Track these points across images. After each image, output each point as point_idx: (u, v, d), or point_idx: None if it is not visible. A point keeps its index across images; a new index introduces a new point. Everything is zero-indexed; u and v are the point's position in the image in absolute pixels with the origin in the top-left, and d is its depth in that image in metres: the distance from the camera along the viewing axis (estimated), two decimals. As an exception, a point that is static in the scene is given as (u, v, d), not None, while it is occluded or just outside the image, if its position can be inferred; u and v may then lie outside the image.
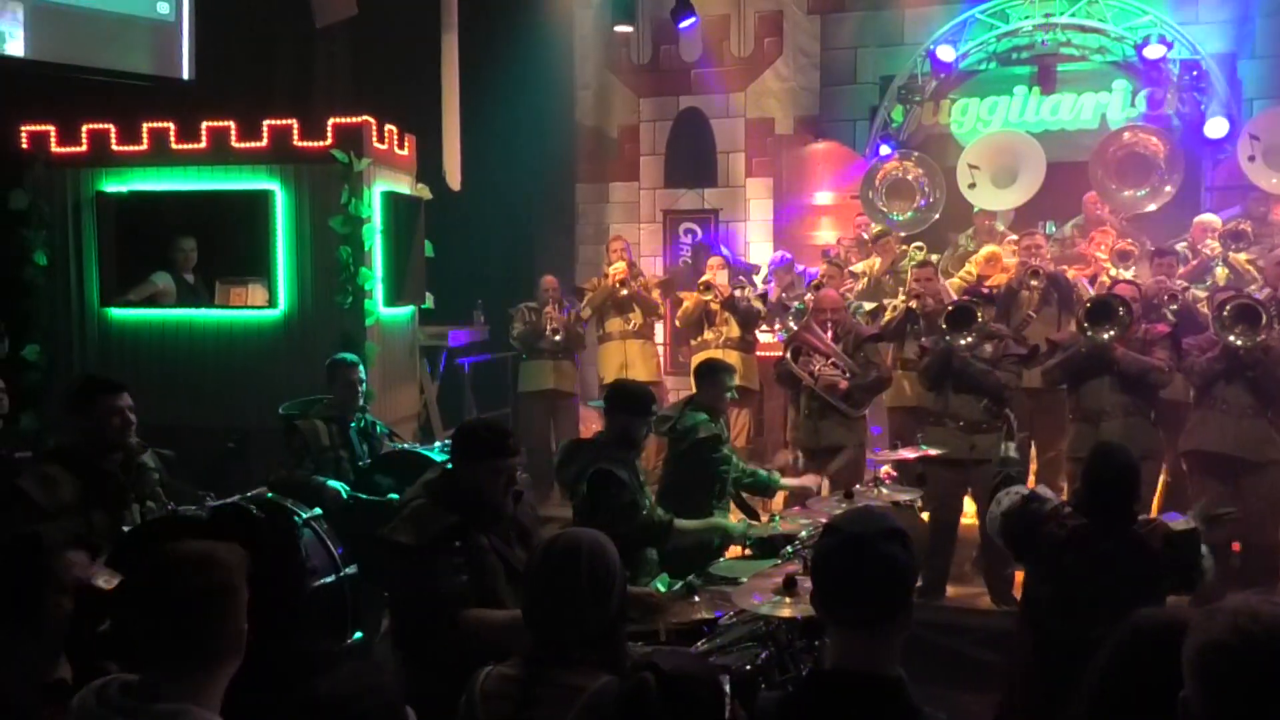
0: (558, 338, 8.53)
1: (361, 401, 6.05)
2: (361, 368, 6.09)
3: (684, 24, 9.39)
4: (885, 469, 6.14)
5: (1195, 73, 8.92)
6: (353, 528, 5.05)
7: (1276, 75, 8.98)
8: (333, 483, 5.58)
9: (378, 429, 6.11)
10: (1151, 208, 8.54)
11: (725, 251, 9.10)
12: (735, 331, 8.22)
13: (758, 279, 8.91)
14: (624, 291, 8.58)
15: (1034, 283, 7.15)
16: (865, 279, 8.23)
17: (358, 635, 4.90)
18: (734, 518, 5.59)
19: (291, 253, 7.20)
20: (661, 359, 9.40)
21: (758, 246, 10.06)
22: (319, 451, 5.76)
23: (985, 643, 6.00)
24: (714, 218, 10.37)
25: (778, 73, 10.32)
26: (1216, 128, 8.62)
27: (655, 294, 8.84)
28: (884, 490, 5.08)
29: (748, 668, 3.47)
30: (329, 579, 4.81)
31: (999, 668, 5.48)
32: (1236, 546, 6.22)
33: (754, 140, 10.37)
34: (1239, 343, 5.92)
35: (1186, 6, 9.11)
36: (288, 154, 7.16)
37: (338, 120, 7.19)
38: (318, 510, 5.09)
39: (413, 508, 3.56)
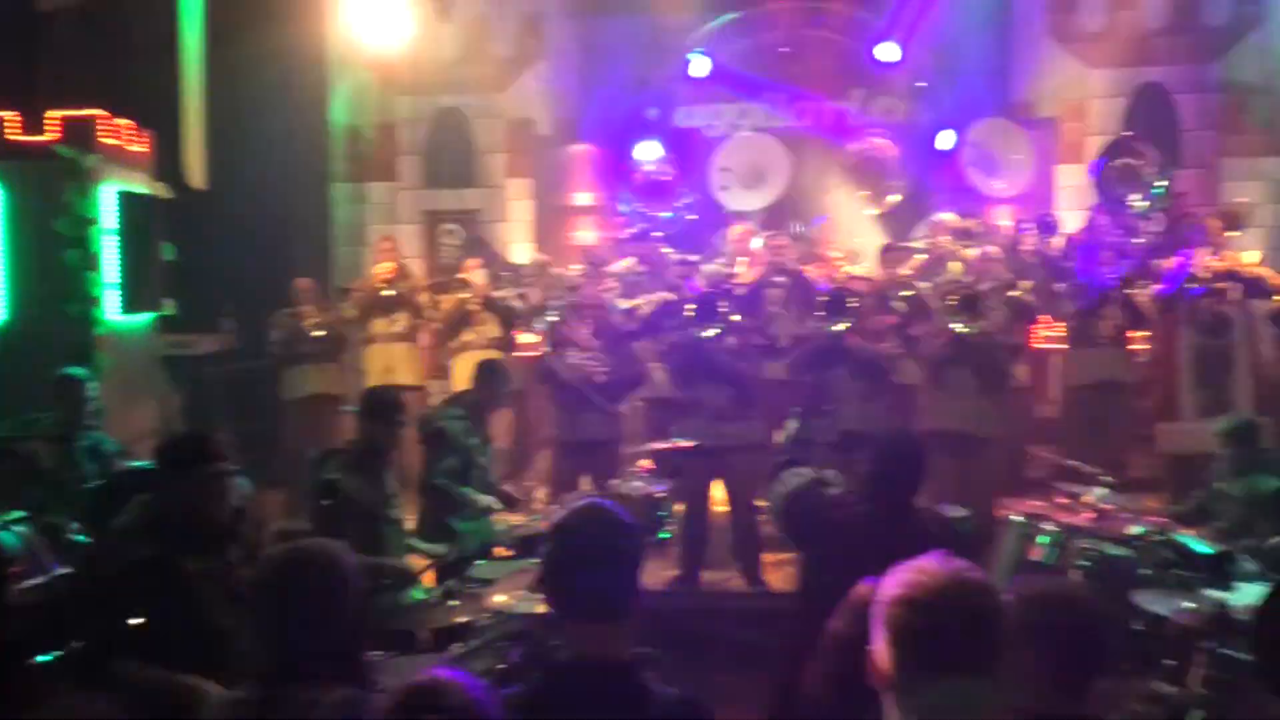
0: (321, 333, 8.25)
1: (90, 419, 5.63)
2: (92, 383, 5.68)
3: None
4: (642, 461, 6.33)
5: (923, 81, 9.61)
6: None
7: (991, 85, 9.76)
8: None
9: (107, 447, 5.68)
10: (885, 208, 9.14)
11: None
12: (496, 331, 8.21)
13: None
14: (389, 292, 8.39)
15: (777, 278, 7.53)
16: (622, 280, 8.38)
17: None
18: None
19: (11, 257, 6.65)
20: (425, 362, 9.25)
21: (518, 247, 10.06)
22: (40, 476, 5.34)
23: (740, 623, 6.26)
24: (475, 218, 10.29)
25: (538, 74, 10.36)
26: (944, 139, 9.32)
27: (424, 296, 8.70)
28: (637, 482, 5.23)
29: (500, 668, 3.49)
30: (38, 580, 4.47)
31: (755, 646, 5.74)
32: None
33: (514, 141, 10.37)
34: (963, 329, 6.47)
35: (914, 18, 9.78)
36: (6, 149, 6.64)
37: (64, 113, 6.70)
38: (20, 513, 4.72)
39: (115, 535, 3.33)
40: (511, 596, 3.97)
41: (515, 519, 5.66)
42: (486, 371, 5.87)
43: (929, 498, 6.74)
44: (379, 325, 8.57)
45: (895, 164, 9.13)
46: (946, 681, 1.64)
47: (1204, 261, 7.46)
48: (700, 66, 9.63)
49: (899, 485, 3.91)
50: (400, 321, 8.57)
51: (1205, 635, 3.66)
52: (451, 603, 4.17)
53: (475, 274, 8.24)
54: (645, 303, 7.65)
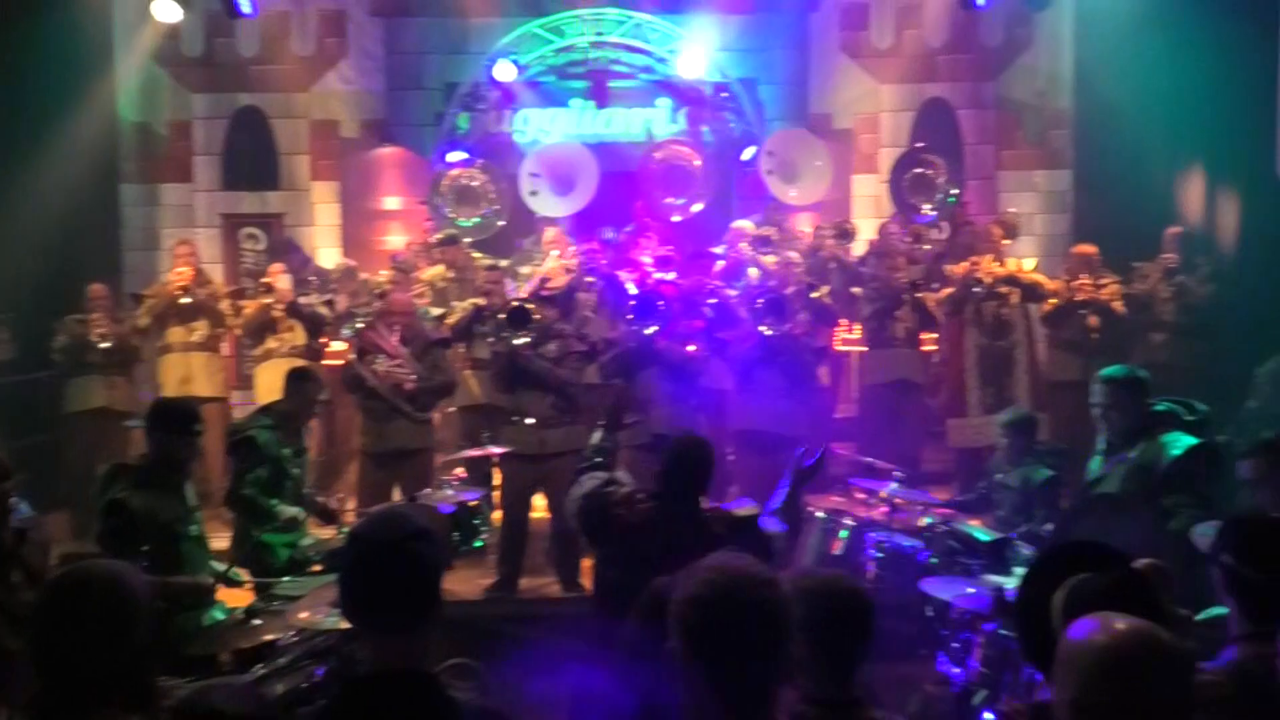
0: (106, 345, 7.79)
1: None
2: None
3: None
4: (457, 470, 6.29)
5: (725, 94, 9.91)
6: None
7: (790, 98, 10.18)
8: None
9: None
10: (689, 215, 9.36)
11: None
12: (301, 339, 7.96)
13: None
14: (186, 300, 8.01)
15: (589, 279, 7.61)
16: (439, 284, 8.28)
17: None
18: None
19: None
20: (228, 374, 8.88)
21: (325, 252, 9.80)
22: None
23: (562, 630, 6.29)
24: (278, 222, 9.95)
25: (342, 75, 10.10)
26: (747, 152, 9.63)
27: (224, 304, 8.34)
28: (448, 491, 5.19)
29: (304, 686, 3.40)
30: None
31: (572, 652, 5.78)
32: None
33: (318, 143, 10.08)
34: (769, 332, 6.71)
35: (717, 34, 10.07)
36: None
37: None
38: None
39: None
40: (317, 613, 3.86)
41: (326, 533, 5.52)
42: (298, 380, 5.70)
43: (743, 495, 7.04)
44: (176, 334, 8.17)
45: (700, 172, 9.37)
46: (732, 675, 1.72)
47: (987, 268, 8.01)
48: (505, 71, 9.61)
49: (685, 484, 4.03)
50: (199, 330, 8.20)
51: (985, 618, 3.92)
52: (255, 622, 4.02)
53: (280, 279, 7.95)
54: (456, 310, 7.58)
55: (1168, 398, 4.95)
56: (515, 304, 6.59)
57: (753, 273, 8.38)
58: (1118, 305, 8.01)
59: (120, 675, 2.27)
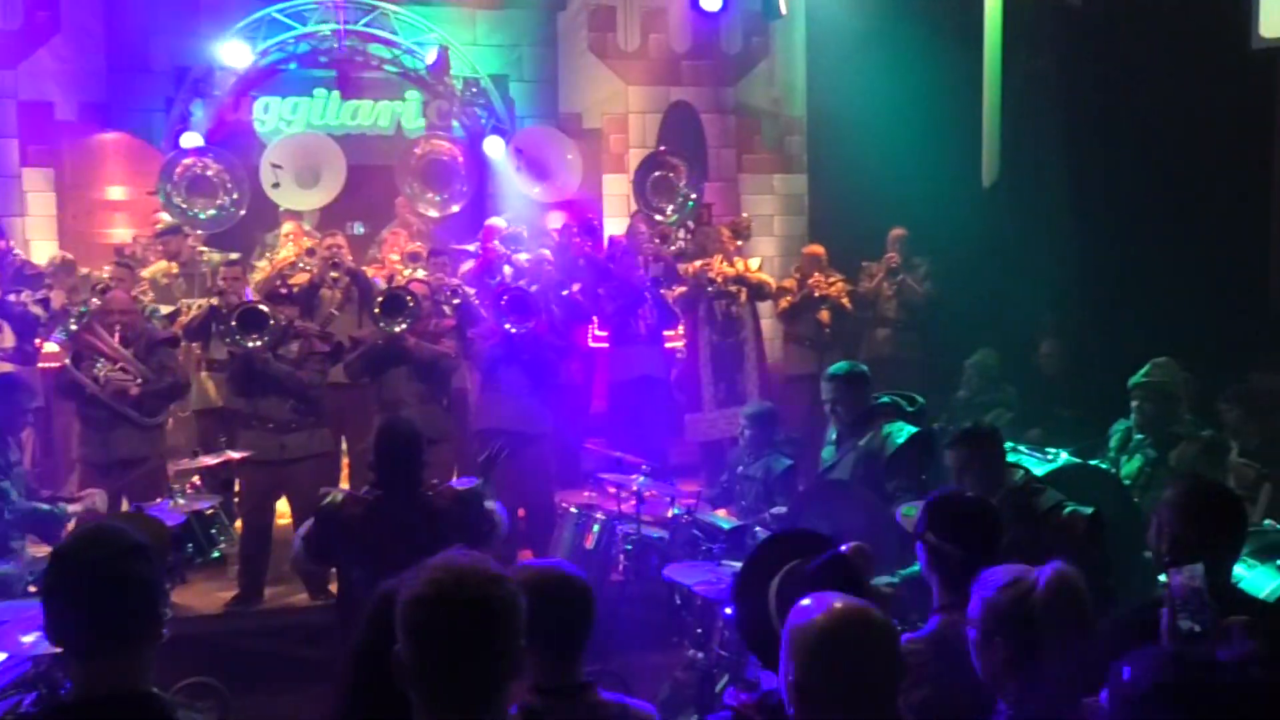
0: None
1: None
2: None
3: None
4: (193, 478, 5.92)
5: (475, 89, 9.83)
6: None
7: (541, 96, 10.24)
8: None
9: None
10: (451, 211, 9.26)
11: None
12: (9, 340, 7.27)
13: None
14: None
15: (334, 274, 7.36)
16: (162, 280, 7.77)
17: None
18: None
19: None
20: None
21: (40, 245, 8.97)
22: None
23: (305, 639, 6.07)
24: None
25: (55, 52, 9.27)
26: (494, 146, 9.57)
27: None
28: (181, 500, 4.89)
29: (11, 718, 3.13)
30: None
31: (318, 660, 5.59)
32: (522, 513, 7.02)
33: (29, 126, 9.20)
34: (514, 330, 6.70)
35: (466, 28, 9.99)
36: None
37: None
38: None
39: None
40: (27, 637, 3.55)
41: (42, 551, 5.09)
42: (5, 388, 5.21)
43: (495, 493, 7.02)
44: None
45: (460, 168, 9.27)
46: (463, 676, 1.70)
47: (719, 268, 8.36)
48: (236, 55, 9.13)
49: (399, 467, 4.12)
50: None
51: (723, 603, 4.09)
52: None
53: None
54: (189, 308, 7.15)
55: (890, 390, 5.36)
56: (247, 306, 6.28)
57: (506, 270, 8.37)
58: (845, 302, 8.56)
59: None
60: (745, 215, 9.52)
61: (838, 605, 2.04)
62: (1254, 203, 8.02)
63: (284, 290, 6.89)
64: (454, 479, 6.00)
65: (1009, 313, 8.39)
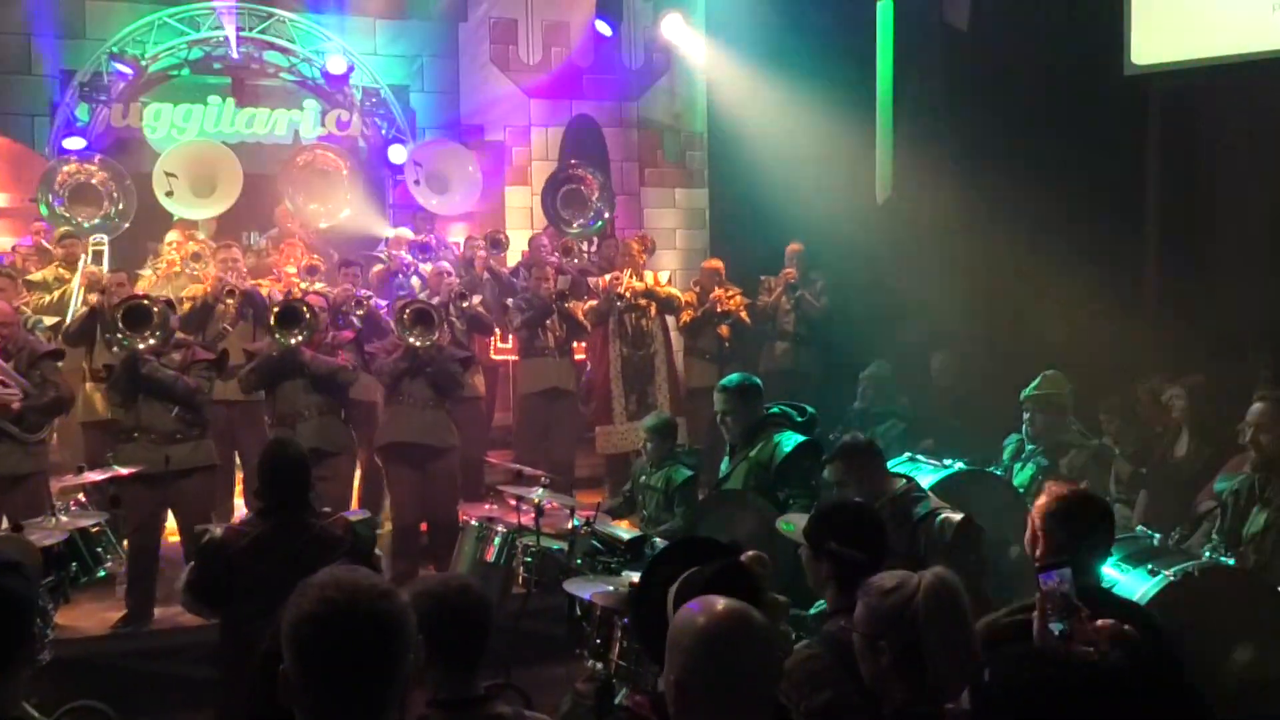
0: None
1: None
2: None
3: None
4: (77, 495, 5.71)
5: (375, 99, 9.74)
6: None
7: (442, 107, 10.19)
8: None
9: None
10: (334, 221, 9.11)
11: None
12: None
13: None
14: None
15: (229, 300, 7.22)
16: (53, 291, 7.49)
17: None
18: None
19: None
20: None
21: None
22: None
23: (199, 659, 5.90)
24: None
25: (-70, 53, 8.93)
26: (397, 154, 9.51)
27: None
28: (64, 518, 4.72)
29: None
30: None
31: (213, 681, 5.45)
32: (425, 526, 6.96)
33: (-100, 128, 8.85)
34: (418, 343, 6.65)
35: (366, 38, 9.90)
36: None
37: None
38: None
39: None
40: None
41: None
42: None
43: (394, 509, 6.93)
44: None
45: (344, 178, 9.13)
46: (353, 693, 1.69)
47: (628, 283, 8.41)
48: (125, 61, 8.91)
49: (286, 491, 3.97)
50: None
51: (621, 613, 4.11)
52: None
53: None
54: (71, 317, 6.92)
55: (781, 401, 5.48)
56: (130, 302, 6.05)
57: (414, 282, 8.30)
58: (744, 316, 8.69)
59: None
60: (649, 229, 9.57)
61: (719, 606, 2.08)
62: (1130, 220, 8.42)
63: (169, 301, 6.68)
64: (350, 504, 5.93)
65: (903, 326, 8.64)
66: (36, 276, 7.58)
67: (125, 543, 6.02)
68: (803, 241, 9.10)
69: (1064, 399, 6.37)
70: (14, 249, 8.31)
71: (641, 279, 8.52)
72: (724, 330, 8.69)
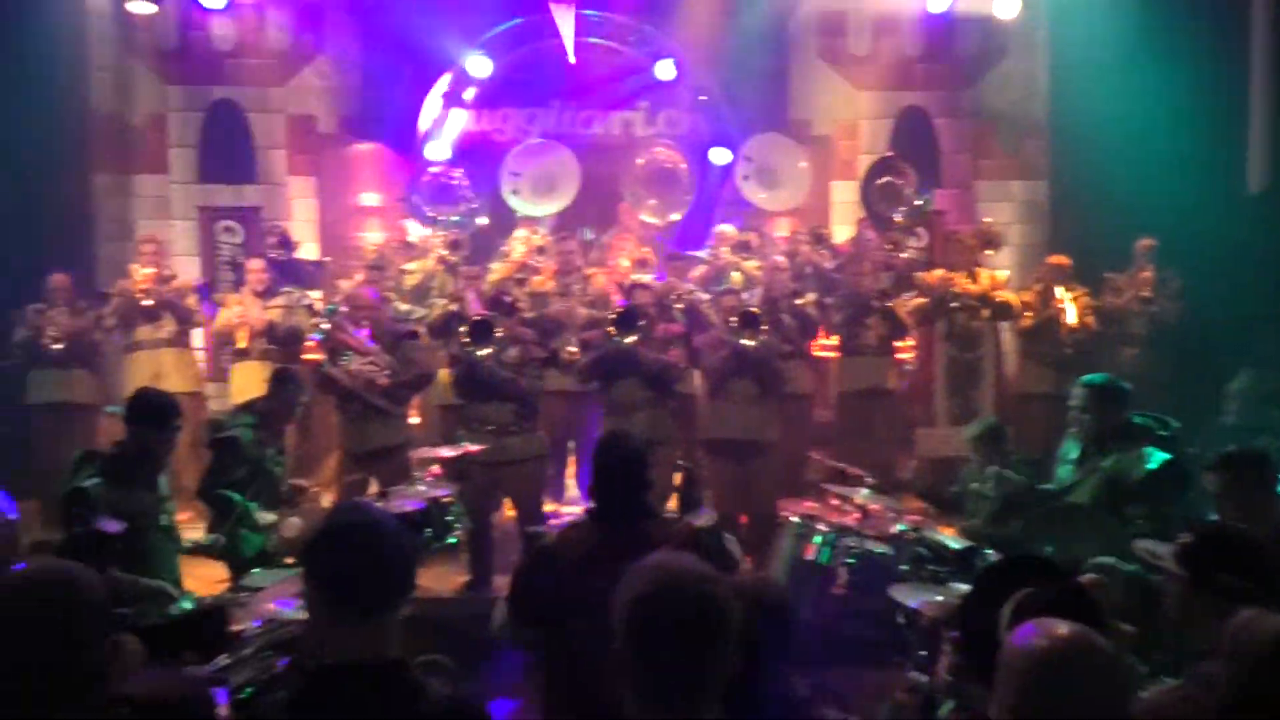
0: (57, 347, 7.72)
1: None
2: None
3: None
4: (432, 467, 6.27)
5: (704, 97, 9.92)
6: None
7: (769, 102, 10.17)
8: None
9: None
10: (674, 217, 9.40)
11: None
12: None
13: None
14: (149, 302, 7.93)
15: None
16: (417, 276, 8.25)
17: None
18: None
19: None
20: (203, 367, 8.81)
21: (303, 247, 9.73)
22: None
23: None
24: (256, 216, 9.87)
25: (319, 69, 10.05)
26: (721, 154, 9.66)
27: (191, 299, 8.28)
28: (422, 487, 5.17)
29: (265, 677, 3.37)
30: None
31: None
32: (744, 519, 7.02)
33: (295, 137, 10.02)
34: (748, 343, 6.71)
35: (697, 35, 10.06)
36: None
37: None
38: None
39: None
40: (282, 603, 3.84)
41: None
42: (279, 382, 5.71)
43: (715, 503, 7.06)
44: (143, 332, 8.12)
45: (683, 175, 9.38)
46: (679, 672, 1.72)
47: (961, 285, 8.05)
48: (479, 67, 9.59)
49: (623, 492, 3.50)
50: (166, 327, 8.14)
51: (950, 625, 3.93)
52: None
53: (251, 308, 7.88)
54: (434, 307, 7.58)
55: (1142, 412, 5.03)
56: (480, 319, 6.57)
57: (735, 277, 8.41)
58: (1089, 320, 8.05)
59: (73, 680, 2.15)
60: (989, 220, 9.05)
61: (1062, 631, 1.94)
62: None
63: (505, 299, 7.15)
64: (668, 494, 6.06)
65: (1272, 331, 7.70)
66: (412, 266, 8.34)
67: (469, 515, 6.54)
68: (1155, 236, 8.34)
69: None
70: (385, 242, 9.22)
71: (975, 279, 8.13)
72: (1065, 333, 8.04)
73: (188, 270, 9.21)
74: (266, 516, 5.32)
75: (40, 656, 2.08)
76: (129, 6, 9.14)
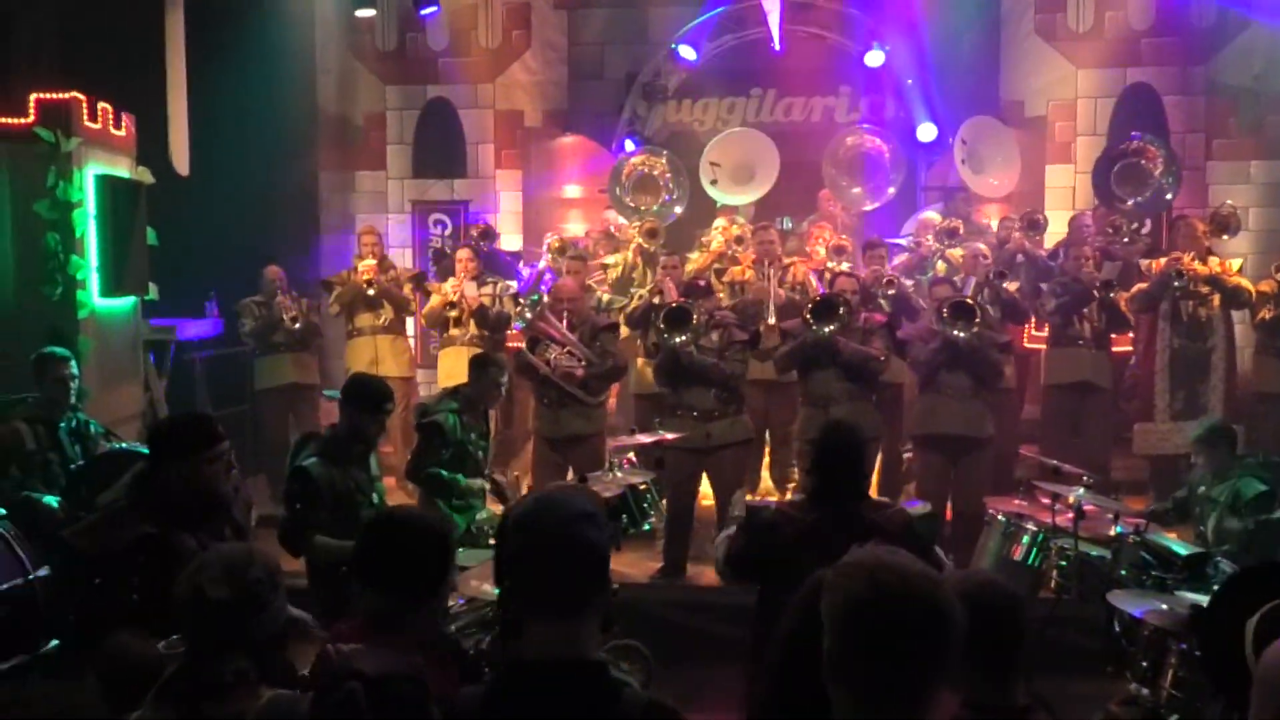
0: (297, 325, 8.24)
1: (73, 399, 5.66)
2: (73, 363, 5.70)
3: (426, 11, 9.28)
4: (627, 455, 6.34)
5: (909, 80, 9.60)
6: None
7: (980, 83, 9.77)
8: (47, 498, 5.28)
9: (92, 428, 5.74)
10: (877, 204, 9.16)
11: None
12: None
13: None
14: (372, 291, 8.37)
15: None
16: (619, 268, 8.36)
17: (53, 643, 4.60)
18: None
19: (-9, 239, 6.61)
20: (414, 353, 9.24)
21: (508, 238, 10.05)
22: (22, 456, 5.39)
23: (726, 618, 6.23)
24: (464, 209, 10.27)
25: (526, 65, 10.33)
26: (926, 132, 9.31)
27: (407, 288, 8.67)
28: (618, 474, 5.22)
29: (470, 654, 3.48)
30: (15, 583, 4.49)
31: (741, 641, 5.74)
32: (950, 514, 6.76)
33: (503, 132, 10.35)
34: (961, 335, 6.44)
35: (903, 17, 9.76)
36: (-14, 132, 6.57)
37: (41, 95, 6.64)
38: None
39: (104, 512, 3.36)
40: (486, 583, 3.96)
41: (500, 508, 5.67)
42: (481, 367, 5.89)
43: (927, 498, 6.82)
44: (364, 319, 8.55)
45: (888, 161, 9.12)
46: (898, 678, 1.63)
47: (1190, 265, 7.45)
48: (686, 56, 9.63)
49: (843, 480, 3.77)
50: (385, 315, 8.56)
51: (1178, 636, 3.66)
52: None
53: (467, 286, 8.16)
54: (633, 297, 7.65)
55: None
56: (675, 305, 6.56)
57: (939, 266, 8.12)
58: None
59: (260, 648, 2.42)
60: (1230, 204, 8.35)
61: None
62: None
63: (699, 284, 7.12)
64: (906, 501, 5.89)
65: None
66: (611, 260, 8.46)
67: (664, 502, 6.57)
68: None
69: None
70: (586, 234, 9.39)
71: (1206, 263, 7.52)
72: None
73: (401, 262, 9.66)
74: (474, 482, 5.56)
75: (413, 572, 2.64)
76: (355, 11, 9.65)
